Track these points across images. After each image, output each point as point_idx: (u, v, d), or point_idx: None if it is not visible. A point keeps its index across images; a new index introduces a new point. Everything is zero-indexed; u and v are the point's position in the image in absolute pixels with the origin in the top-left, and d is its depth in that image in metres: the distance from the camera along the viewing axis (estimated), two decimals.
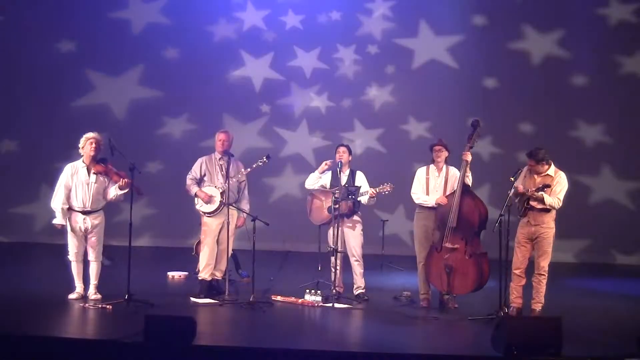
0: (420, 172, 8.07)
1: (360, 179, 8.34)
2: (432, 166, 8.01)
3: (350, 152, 8.42)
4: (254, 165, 8.29)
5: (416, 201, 8.01)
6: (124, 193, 7.75)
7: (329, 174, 8.44)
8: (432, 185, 7.94)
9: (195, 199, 8.20)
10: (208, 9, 12.71)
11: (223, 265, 8.24)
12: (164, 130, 12.72)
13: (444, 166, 7.94)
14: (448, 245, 7.67)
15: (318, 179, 8.44)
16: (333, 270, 8.12)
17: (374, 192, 8.04)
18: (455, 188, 7.74)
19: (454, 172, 7.89)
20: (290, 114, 12.66)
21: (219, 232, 8.17)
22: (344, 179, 8.29)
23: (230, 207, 8.05)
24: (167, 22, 12.72)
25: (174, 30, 12.66)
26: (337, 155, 8.36)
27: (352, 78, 12.67)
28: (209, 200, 8.10)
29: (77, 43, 12.67)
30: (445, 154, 7.90)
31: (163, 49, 12.68)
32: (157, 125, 12.70)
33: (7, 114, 12.56)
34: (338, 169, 8.27)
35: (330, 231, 8.23)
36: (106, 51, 12.62)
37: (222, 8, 12.72)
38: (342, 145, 8.49)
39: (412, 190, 8.04)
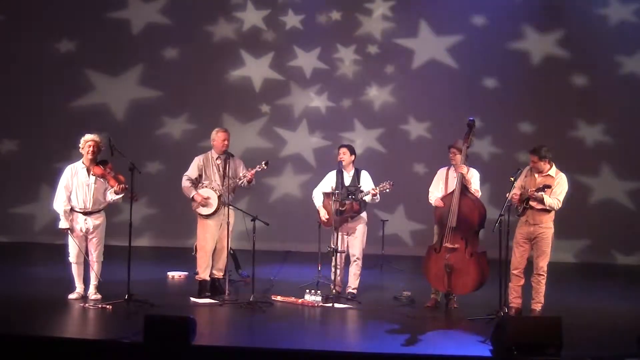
0: (441, 172, 8.12)
1: (365, 178, 8.34)
2: (452, 167, 8.04)
3: (352, 152, 8.41)
4: (253, 170, 8.29)
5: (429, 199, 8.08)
6: (120, 197, 7.79)
7: (333, 176, 8.44)
8: (450, 185, 7.95)
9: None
10: (208, 9, 12.70)
11: (222, 264, 8.25)
12: (164, 130, 12.70)
13: None
14: (448, 245, 7.68)
15: (320, 193, 8.43)
16: (333, 269, 8.14)
17: (375, 190, 8.06)
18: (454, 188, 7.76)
19: (472, 173, 7.89)
20: (291, 114, 12.67)
21: (217, 232, 8.18)
22: (347, 179, 8.32)
23: (229, 207, 8.05)
24: (167, 22, 12.70)
25: (174, 30, 12.65)
26: (339, 157, 8.38)
27: (352, 78, 12.65)
28: (205, 203, 8.10)
29: (77, 43, 12.65)
30: (458, 157, 7.85)
31: (163, 49, 12.66)
32: (157, 125, 12.68)
33: (7, 114, 12.54)
34: (342, 170, 8.30)
35: (333, 232, 8.23)
36: (106, 51, 12.59)
37: (222, 8, 12.71)
38: (343, 145, 8.52)
39: (429, 189, 8.10)
